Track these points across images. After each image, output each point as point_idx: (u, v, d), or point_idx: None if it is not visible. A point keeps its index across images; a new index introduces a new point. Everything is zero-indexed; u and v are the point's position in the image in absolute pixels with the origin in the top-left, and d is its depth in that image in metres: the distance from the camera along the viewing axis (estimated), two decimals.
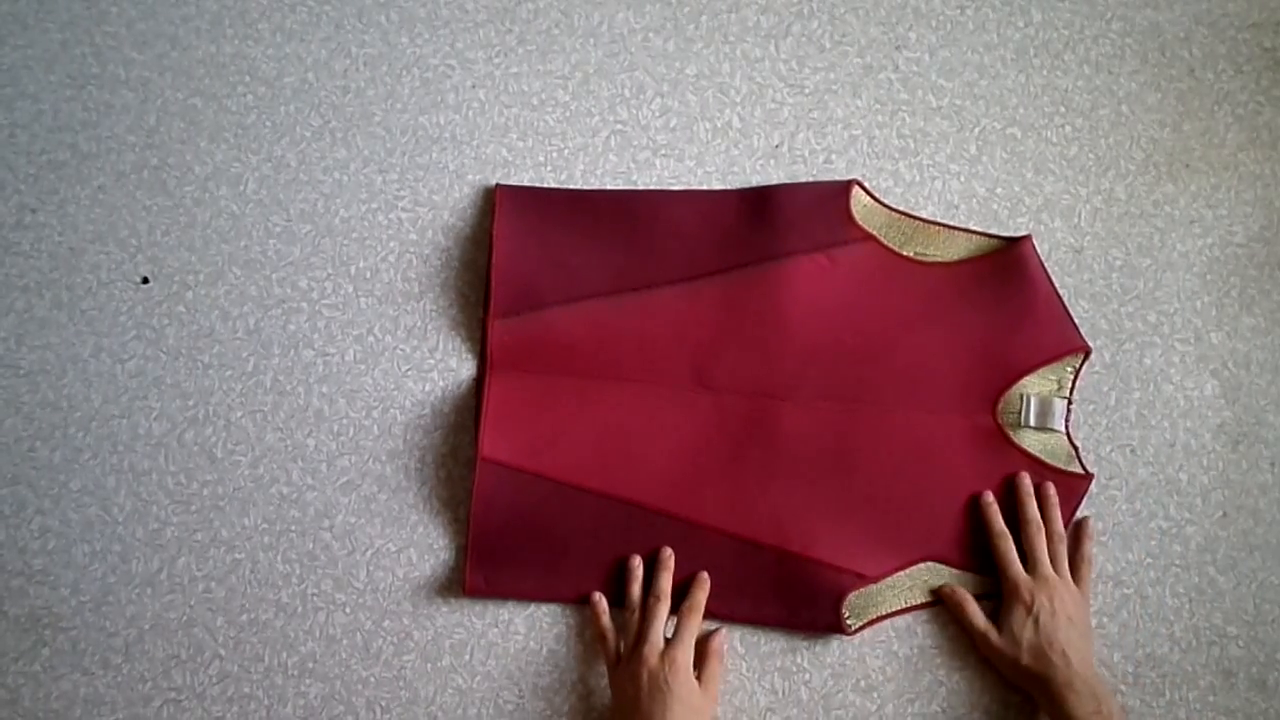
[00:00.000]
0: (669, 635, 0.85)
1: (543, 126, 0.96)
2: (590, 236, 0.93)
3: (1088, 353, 0.90)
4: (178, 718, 0.88)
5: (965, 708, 0.87)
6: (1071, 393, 0.90)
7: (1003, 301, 0.90)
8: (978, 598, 0.86)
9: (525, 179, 0.95)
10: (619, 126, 0.96)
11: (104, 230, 0.95)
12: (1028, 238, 0.91)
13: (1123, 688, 0.87)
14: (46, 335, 0.93)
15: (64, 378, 0.93)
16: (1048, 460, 0.88)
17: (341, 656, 0.89)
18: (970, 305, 0.90)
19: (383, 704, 0.88)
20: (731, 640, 0.88)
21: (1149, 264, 0.94)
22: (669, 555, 0.87)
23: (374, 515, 0.91)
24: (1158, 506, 0.90)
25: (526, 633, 0.89)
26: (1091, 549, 0.88)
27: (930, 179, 0.95)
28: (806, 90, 0.97)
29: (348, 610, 0.89)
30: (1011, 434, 0.89)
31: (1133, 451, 0.91)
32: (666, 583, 0.86)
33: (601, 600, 0.87)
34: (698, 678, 0.83)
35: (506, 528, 0.88)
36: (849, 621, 0.87)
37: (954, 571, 0.87)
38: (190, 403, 0.92)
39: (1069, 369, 0.90)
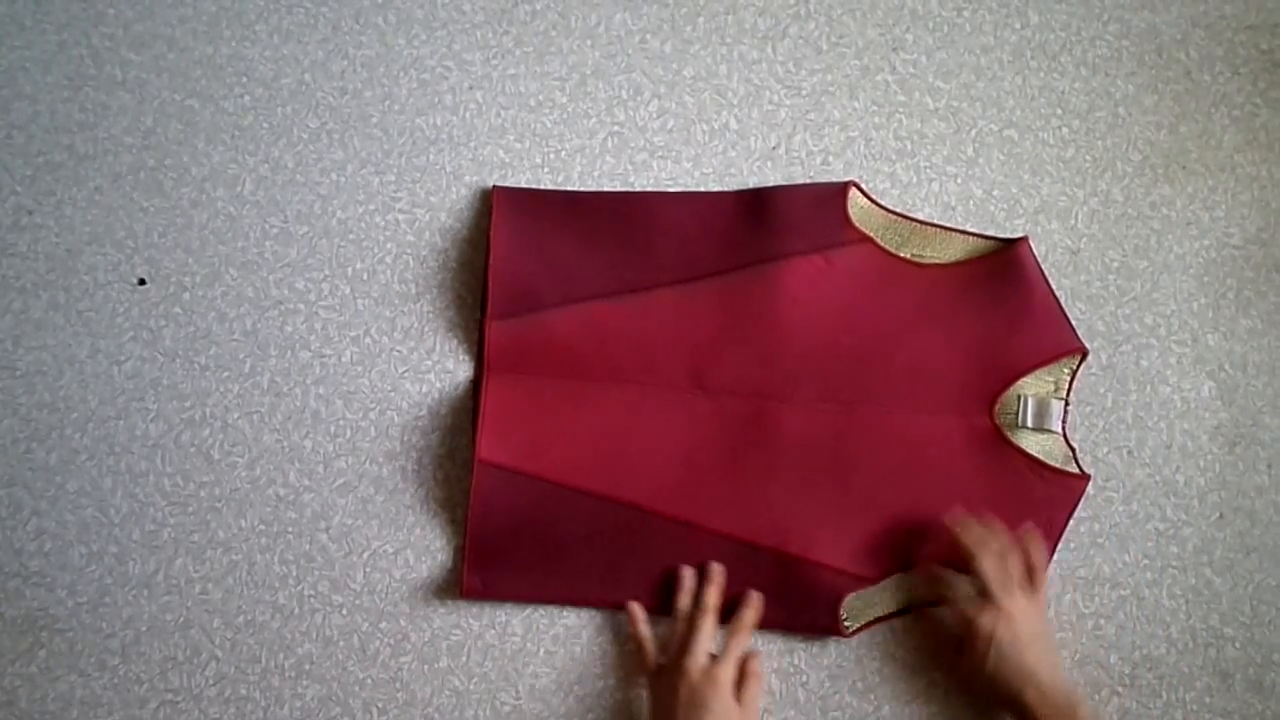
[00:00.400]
0: (714, 651, 0.84)
1: (540, 128, 0.96)
2: (587, 238, 0.93)
3: (1084, 354, 0.90)
4: (174, 719, 0.88)
5: (962, 710, 0.87)
6: (1068, 394, 0.90)
7: (1000, 303, 0.90)
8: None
9: (522, 180, 0.95)
10: (616, 128, 0.96)
11: (101, 232, 0.95)
12: (1024, 239, 0.92)
13: (1120, 689, 0.88)
14: (43, 336, 0.93)
15: (60, 379, 0.93)
16: (1045, 461, 0.88)
17: (338, 658, 0.89)
18: (967, 307, 0.90)
19: (379, 705, 0.88)
20: None
21: (1146, 266, 0.94)
22: (719, 570, 0.87)
23: (371, 517, 0.91)
24: (1154, 508, 0.90)
25: (523, 634, 0.89)
26: (1041, 554, 0.85)
27: (927, 181, 0.95)
28: (803, 92, 0.97)
29: (345, 612, 0.89)
30: (1009, 435, 0.89)
31: (1129, 453, 0.91)
32: (714, 597, 0.86)
33: (638, 609, 0.87)
34: (737, 698, 0.82)
35: (504, 530, 0.88)
36: (847, 623, 0.87)
37: (952, 572, 0.87)
38: (187, 404, 0.92)
39: (1066, 370, 0.90)
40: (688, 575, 0.87)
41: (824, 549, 0.87)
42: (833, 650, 0.88)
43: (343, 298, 0.94)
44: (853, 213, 0.92)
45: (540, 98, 0.97)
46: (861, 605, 0.88)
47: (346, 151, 0.96)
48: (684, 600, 0.87)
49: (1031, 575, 0.84)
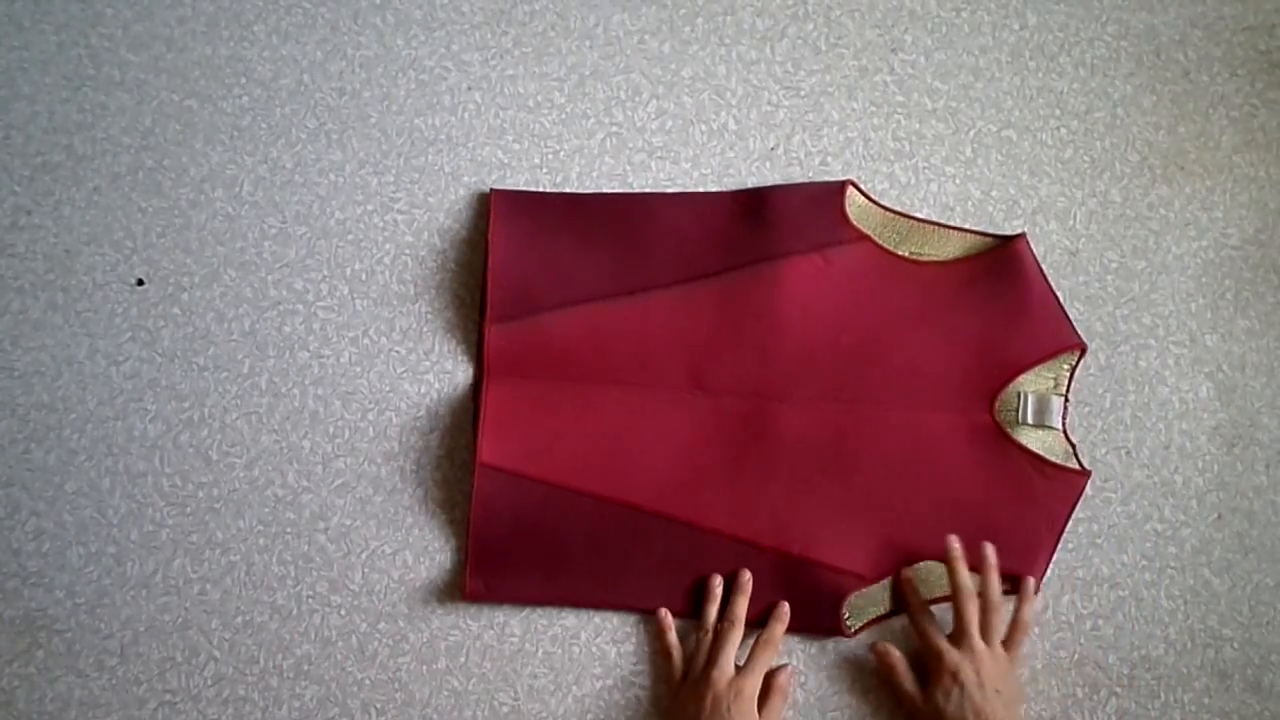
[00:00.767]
0: (739, 663, 0.85)
1: (538, 129, 0.96)
2: (586, 240, 0.93)
3: (1083, 350, 0.90)
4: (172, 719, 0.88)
5: None
6: (1068, 390, 0.90)
7: (998, 299, 0.90)
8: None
9: (521, 181, 0.95)
10: (615, 129, 0.96)
11: (99, 232, 0.95)
12: (1022, 235, 0.92)
13: (1118, 690, 0.87)
14: (41, 337, 0.93)
15: (59, 380, 0.93)
16: (1046, 457, 0.88)
17: (337, 659, 0.89)
18: (966, 304, 0.91)
19: (378, 706, 0.88)
20: None
21: (1144, 266, 0.94)
22: (747, 580, 0.87)
23: (369, 517, 0.91)
24: (1153, 509, 0.90)
25: (522, 635, 0.89)
26: (1029, 614, 0.85)
27: (926, 181, 0.95)
28: (802, 93, 0.97)
29: (343, 612, 0.89)
30: (1009, 431, 0.89)
31: (1128, 454, 0.91)
32: (742, 608, 0.86)
33: (667, 616, 0.87)
34: (760, 711, 0.83)
35: (506, 533, 0.88)
36: (849, 623, 0.87)
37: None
38: (186, 405, 0.92)
39: (1065, 366, 0.90)
40: (717, 585, 0.87)
41: (825, 548, 0.87)
42: (833, 650, 0.88)
43: (341, 298, 0.94)
44: (850, 211, 0.92)
45: (539, 98, 0.97)
46: (864, 604, 0.88)
47: (345, 152, 0.96)
48: (712, 611, 0.87)
49: (1014, 632, 0.84)
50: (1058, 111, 0.96)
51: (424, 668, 0.88)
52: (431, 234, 0.95)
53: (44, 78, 0.97)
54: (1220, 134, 0.96)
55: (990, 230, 0.93)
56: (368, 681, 0.88)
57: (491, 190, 0.94)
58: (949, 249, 0.92)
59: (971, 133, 0.96)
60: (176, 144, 0.96)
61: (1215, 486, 0.91)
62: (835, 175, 0.95)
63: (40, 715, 0.88)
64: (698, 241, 0.92)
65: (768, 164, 0.95)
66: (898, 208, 0.94)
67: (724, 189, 0.95)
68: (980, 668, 0.81)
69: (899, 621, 0.88)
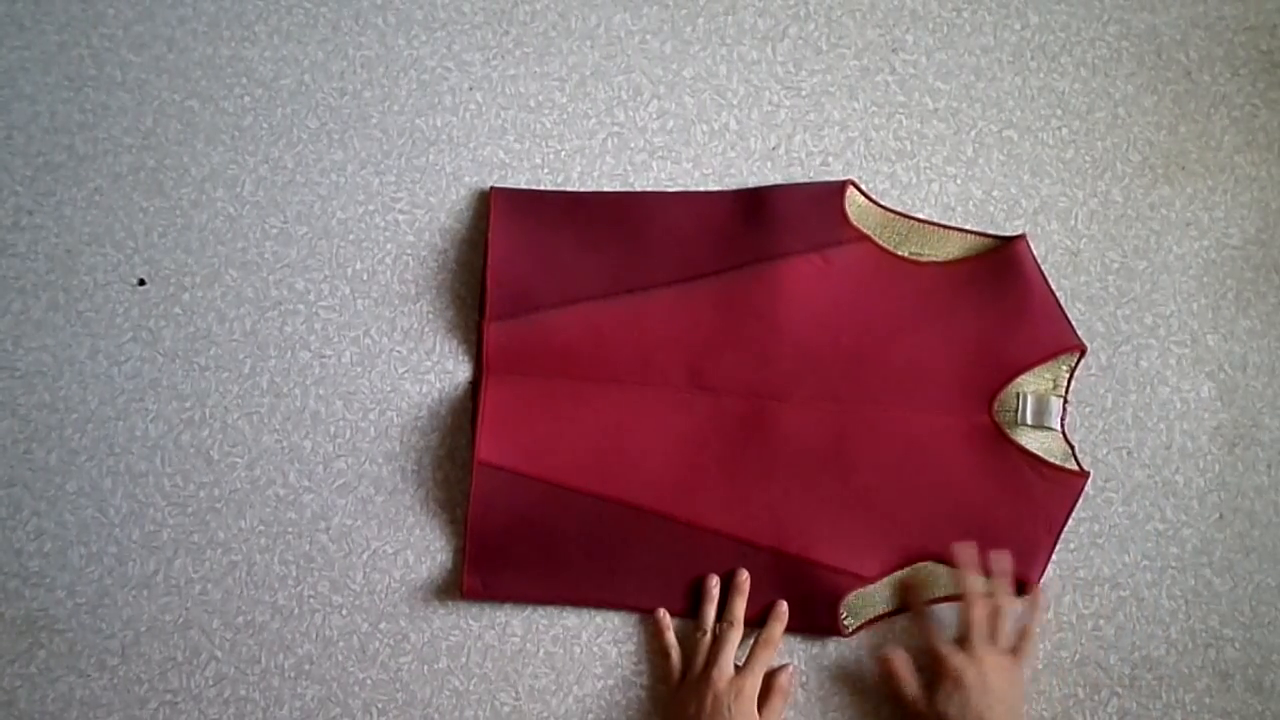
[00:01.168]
0: (739, 663, 0.85)
1: (539, 128, 0.96)
2: (586, 239, 0.93)
3: (1083, 351, 0.90)
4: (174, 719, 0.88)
5: None
6: (1067, 391, 0.90)
7: (998, 300, 0.90)
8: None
9: (522, 181, 0.95)
10: (616, 129, 0.96)
11: (100, 232, 0.95)
12: (1022, 236, 0.92)
13: (1119, 690, 0.87)
14: (43, 337, 0.93)
15: (60, 380, 0.93)
16: (1045, 458, 0.88)
17: (338, 658, 0.89)
18: (965, 304, 0.91)
19: (379, 706, 0.88)
20: None
21: (1145, 266, 0.94)
22: (745, 580, 0.87)
23: (370, 517, 0.91)
24: (1154, 509, 0.90)
25: (523, 635, 0.89)
26: (1037, 625, 0.85)
27: (927, 181, 0.95)
28: (803, 93, 0.97)
29: (344, 612, 0.89)
30: (1008, 432, 0.89)
31: (1129, 454, 0.91)
32: (741, 608, 0.86)
33: (665, 615, 0.88)
34: (761, 711, 0.83)
35: (504, 531, 0.88)
36: (846, 622, 0.87)
37: (952, 570, 0.87)
38: (187, 405, 0.92)
39: (1064, 368, 0.90)
40: (713, 586, 0.87)
41: (823, 548, 0.87)
42: (833, 650, 0.88)
43: (342, 298, 0.94)
44: (850, 211, 0.92)
45: (540, 98, 0.97)
46: (861, 604, 0.88)
47: (346, 152, 0.96)
48: (710, 611, 0.87)
49: (1022, 641, 0.84)
50: (1059, 111, 0.96)
51: (425, 667, 0.89)
52: (433, 234, 0.95)
53: (45, 78, 0.97)
54: (1222, 134, 0.96)
55: (992, 230, 0.93)
56: (369, 681, 0.88)
57: (492, 188, 0.94)
58: (949, 249, 0.92)
59: (973, 133, 0.96)
60: (178, 144, 0.96)
61: (1217, 487, 0.91)
62: (836, 175, 0.95)
63: (42, 715, 0.88)
64: (697, 241, 0.92)
65: (769, 164, 0.95)
66: (899, 208, 0.94)
67: (725, 189, 0.95)
68: (984, 671, 0.81)
69: (897, 622, 0.88)
